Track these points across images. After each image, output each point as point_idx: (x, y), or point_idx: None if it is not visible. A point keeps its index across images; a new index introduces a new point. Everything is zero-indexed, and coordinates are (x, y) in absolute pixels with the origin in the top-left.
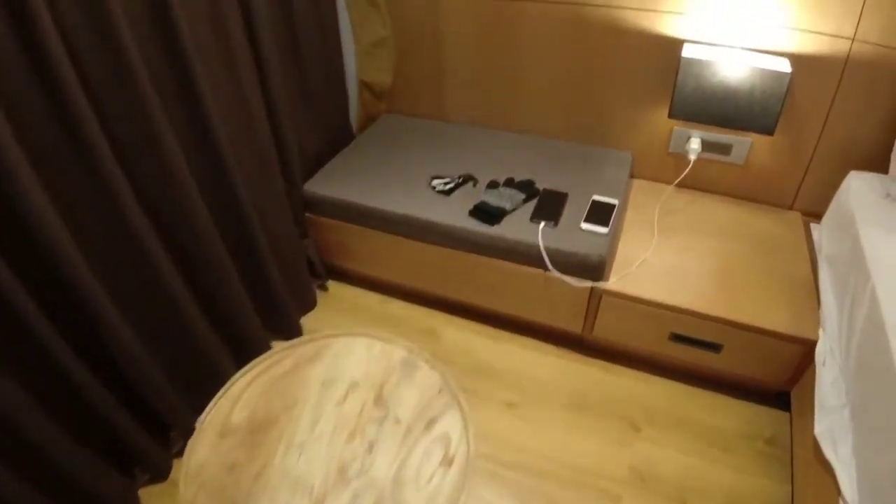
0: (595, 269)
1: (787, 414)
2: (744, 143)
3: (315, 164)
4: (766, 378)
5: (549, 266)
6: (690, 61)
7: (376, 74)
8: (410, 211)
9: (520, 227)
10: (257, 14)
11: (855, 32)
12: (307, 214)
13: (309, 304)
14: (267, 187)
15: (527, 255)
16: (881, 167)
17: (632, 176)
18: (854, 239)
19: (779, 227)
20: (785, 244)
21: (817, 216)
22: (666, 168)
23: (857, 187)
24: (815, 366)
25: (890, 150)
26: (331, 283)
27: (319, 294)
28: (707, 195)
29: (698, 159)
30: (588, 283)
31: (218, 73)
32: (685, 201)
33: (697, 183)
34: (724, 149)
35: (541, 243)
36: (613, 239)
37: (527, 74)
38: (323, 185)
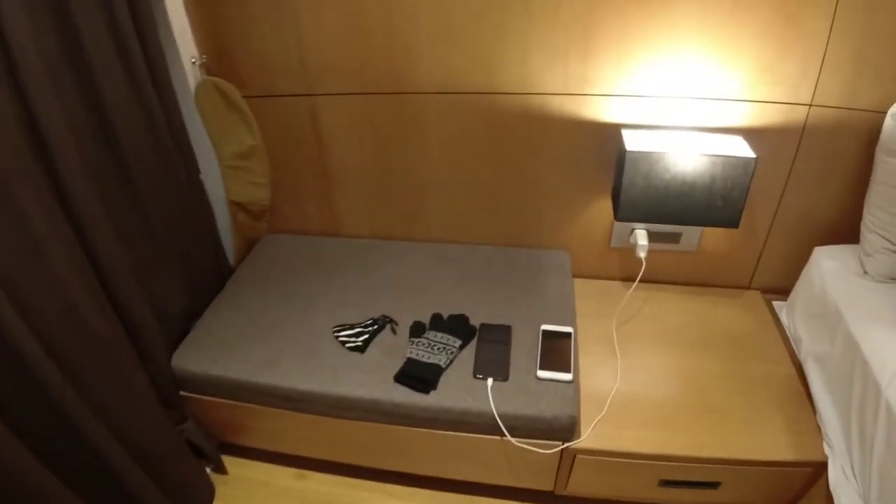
0: (564, 430)
1: None
2: (695, 230)
3: (184, 321)
4: (770, 501)
5: (509, 437)
6: (637, 156)
7: (249, 191)
8: (316, 386)
9: (462, 388)
10: (61, 154)
11: (812, 97)
12: (182, 393)
13: (204, 501)
14: (114, 385)
15: (478, 424)
16: (845, 237)
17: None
18: (846, 336)
19: (743, 314)
20: (756, 338)
21: (777, 292)
22: (608, 263)
23: (831, 267)
24: (822, 482)
25: (856, 218)
26: (229, 461)
27: (217, 479)
28: (659, 288)
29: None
30: (558, 446)
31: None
32: (639, 301)
33: (646, 275)
34: (673, 238)
35: (494, 409)
36: (577, 382)
37: (436, 175)
38: (194, 358)
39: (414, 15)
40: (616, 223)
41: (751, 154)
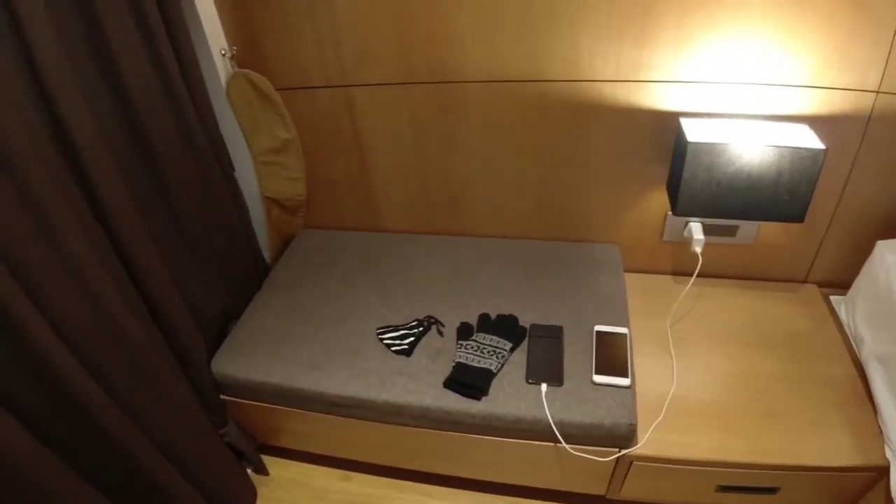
0: (623, 438)
1: None
2: (752, 223)
3: (222, 321)
4: None
5: (565, 444)
6: (699, 148)
7: (284, 187)
8: (362, 392)
9: (515, 394)
10: (92, 159)
11: (880, 84)
12: (222, 397)
13: (245, 502)
14: (153, 394)
15: (532, 432)
16: None
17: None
18: None
19: (800, 310)
20: (814, 336)
21: (835, 286)
22: (660, 257)
23: (893, 261)
24: (881, 486)
25: None
26: (271, 462)
27: (258, 480)
28: (713, 283)
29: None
30: (616, 453)
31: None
32: (692, 298)
33: (700, 269)
34: (729, 230)
35: (549, 416)
36: (634, 387)
37: (480, 167)
38: (234, 363)
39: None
40: (669, 216)
41: (820, 145)
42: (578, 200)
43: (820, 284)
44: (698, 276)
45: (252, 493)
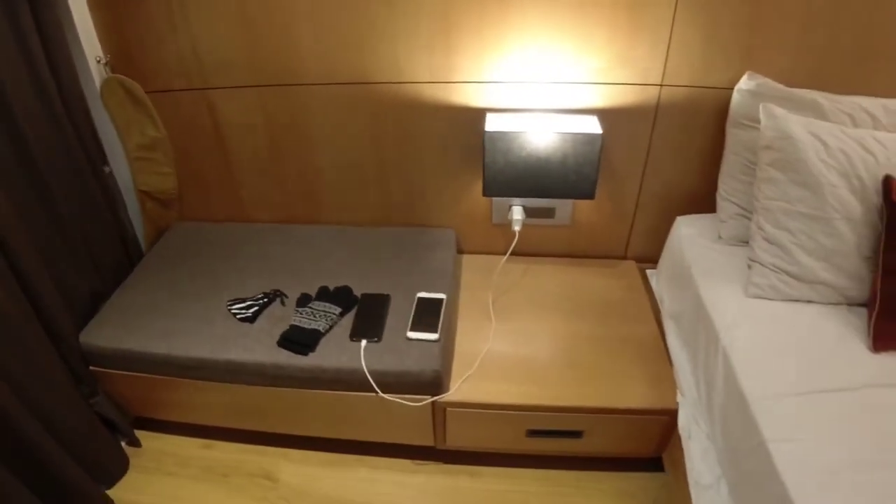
0: (431, 384)
1: (664, 474)
2: (566, 204)
3: (94, 303)
4: (635, 451)
5: (379, 392)
6: (494, 136)
7: (156, 181)
8: (207, 353)
9: (339, 350)
10: None
11: (662, 78)
12: (92, 368)
13: (117, 472)
14: (24, 362)
15: (353, 382)
16: (708, 207)
17: (461, 252)
18: (695, 294)
19: (616, 282)
20: (626, 302)
21: (651, 261)
22: (493, 239)
23: (688, 234)
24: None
25: (714, 188)
26: (144, 435)
27: (132, 452)
28: (539, 261)
29: (524, 226)
30: (427, 399)
31: None
32: (518, 273)
33: (528, 249)
34: (548, 212)
35: (364, 367)
36: (447, 341)
37: (327, 161)
38: (100, 334)
39: (292, 9)
40: (494, 201)
41: (597, 131)
42: (415, 190)
43: (638, 260)
44: (527, 255)
45: (124, 462)
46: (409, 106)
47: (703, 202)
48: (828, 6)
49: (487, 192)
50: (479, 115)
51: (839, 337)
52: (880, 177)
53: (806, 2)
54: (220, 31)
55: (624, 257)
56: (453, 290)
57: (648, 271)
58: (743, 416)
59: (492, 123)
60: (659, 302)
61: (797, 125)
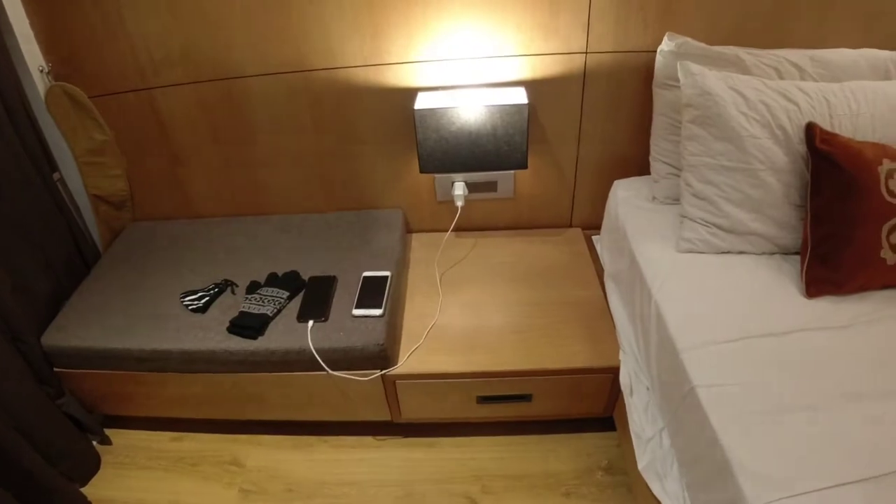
0: (378, 358)
1: (616, 433)
2: (507, 176)
3: (53, 305)
4: (585, 411)
5: (327, 369)
6: (424, 113)
7: (106, 184)
8: (162, 344)
9: (287, 332)
10: None
11: (587, 45)
12: (56, 369)
13: (89, 470)
14: None
15: (303, 362)
16: (645, 169)
17: (410, 231)
18: (630, 253)
19: (562, 250)
20: (572, 268)
21: (596, 227)
22: (440, 216)
23: (624, 196)
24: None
25: (647, 150)
26: (115, 433)
27: (104, 450)
28: (487, 234)
29: (468, 201)
30: (376, 373)
31: None
32: (466, 248)
33: (475, 224)
34: (490, 186)
35: (311, 346)
36: (393, 317)
37: (271, 152)
38: (61, 335)
39: (224, 2)
40: (437, 178)
41: (523, 101)
42: (360, 173)
43: (584, 227)
44: (476, 230)
45: (96, 460)
46: (345, 91)
47: (641, 165)
48: None
49: (423, 168)
50: (412, 94)
51: (772, 285)
52: (804, 125)
53: None
54: (155, 31)
55: (570, 225)
56: (401, 268)
57: (594, 237)
58: (674, 364)
59: (421, 101)
60: (603, 265)
61: (715, 80)
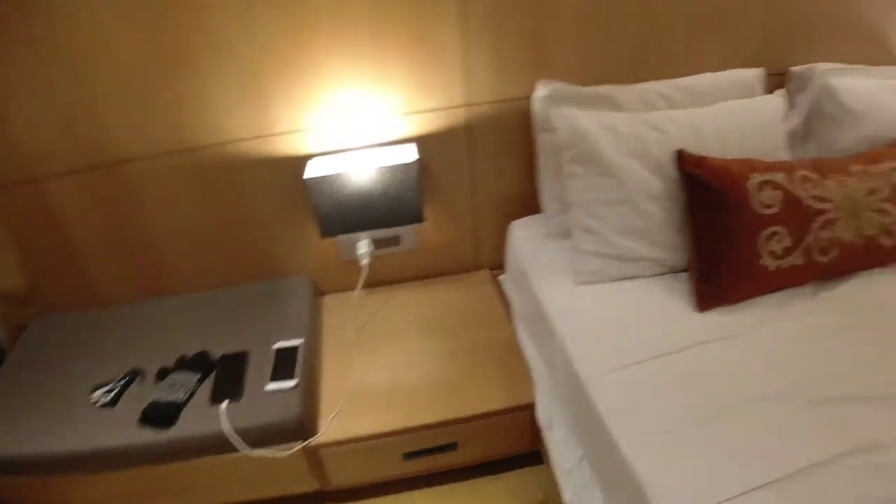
0: (296, 430)
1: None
2: (409, 229)
3: None
4: (511, 450)
5: (246, 449)
6: (316, 181)
7: (3, 282)
8: (75, 446)
9: (200, 416)
10: None
11: (466, 99)
12: None
13: None
14: None
15: (221, 445)
16: (540, 208)
17: (322, 294)
18: (532, 291)
19: (471, 294)
20: (482, 311)
21: (502, 267)
22: (349, 275)
23: (520, 236)
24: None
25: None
26: None
27: None
28: (397, 288)
29: (374, 258)
30: (297, 446)
31: None
32: (378, 304)
33: (384, 278)
34: (394, 241)
35: (225, 428)
36: (309, 385)
37: (169, 231)
38: None
39: (102, 87)
40: (340, 239)
41: (412, 159)
42: (262, 244)
43: (492, 267)
44: (384, 284)
45: None
46: (236, 165)
47: (536, 203)
48: (599, 10)
49: (325, 233)
50: (304, 162)
51: (665, 305)
52: (674, 152)
53: (579, 10)
54: (35, 121)
55: (477, 268)
56: (313, 334)
57: (501, 277)
58: (582, 395)
59: (312, 169)
60: (511, 305)
61: (588, 121)
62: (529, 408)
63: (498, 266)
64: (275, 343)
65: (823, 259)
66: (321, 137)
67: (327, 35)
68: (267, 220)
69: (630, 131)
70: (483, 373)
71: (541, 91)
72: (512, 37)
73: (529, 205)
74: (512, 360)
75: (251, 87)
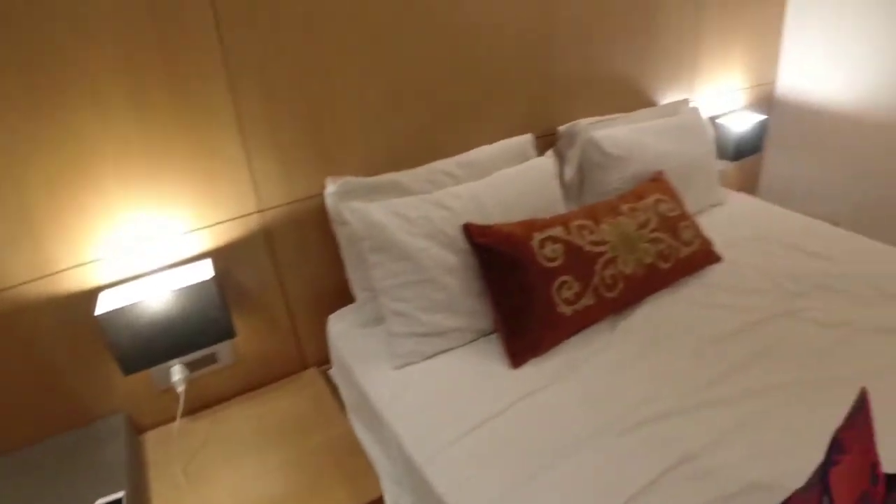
0: None
1: None
2: (225, 345)
3: None
4: None
5: None
6: (108, 316)
7: None
8: None
9: None
10: None
11: (258, 204)
12: None
13: None
14: None
15: None
16: (353, 298)
17: (142, 431)
18: (356, 382)
19: (303, 395)
20: (316, 411)
21: (329, 362)
22: (168, 405)
23: (338, 329)
24: None
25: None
26: None
27: None
28: (224, 407)
29: (191, 381)
30: None
31: None
32: (205, 430)
33: (208, 400)
34: (210, 359)
35: None
36: None
37: None
38: None
39: None
40: (151, 370)
41: (208, 275)
42: (63, 391)
43: (319, 364)
44: (212, 405)
45: None
46: (17, 312)
47: (350, 293)
48: (376, 105)
49: (127, 370)
50: (95, 294)
51: (482, 370)
52: (461, 227)
53: (355, 106)
54: None
55: (305, 367)
56: (136, 480)
57: (331, 372)
58: (420, 479)
59: (104, 303)
60: (344, 400)
61: (377, 211)
62: (379, 502)
63: (326, 361)
64: (95, 501)
65: (612, 294)
66: (111, 266)
67: (102, 160)
68: (65, 365)
69: (418, 214)
70: (327, 476)
71: (330, 187)
72: (293, 137)
73: (344, 295)
74: (352, 457)
75: (20, 223)
